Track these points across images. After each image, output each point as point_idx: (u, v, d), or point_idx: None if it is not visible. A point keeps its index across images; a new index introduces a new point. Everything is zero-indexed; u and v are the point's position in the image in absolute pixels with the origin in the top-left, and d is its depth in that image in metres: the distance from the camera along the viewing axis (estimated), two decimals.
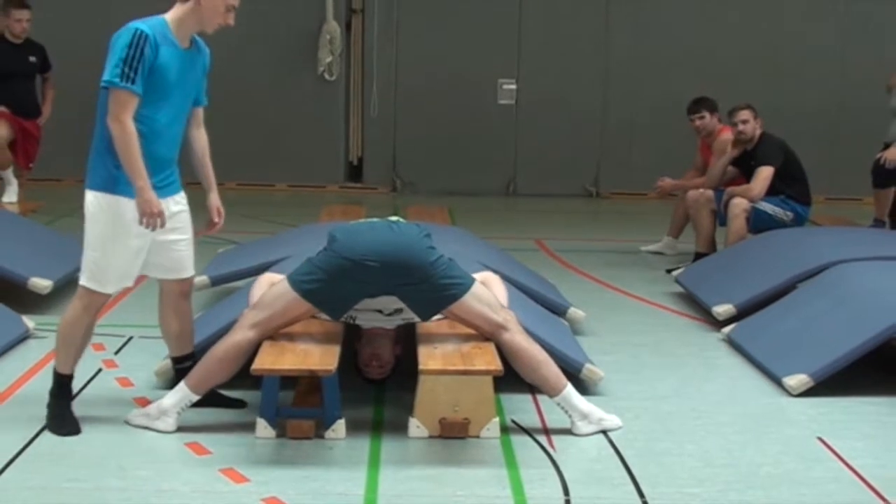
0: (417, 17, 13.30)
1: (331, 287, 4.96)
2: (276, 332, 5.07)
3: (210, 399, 5.09)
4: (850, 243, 7.55)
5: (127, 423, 4.98)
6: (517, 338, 5.04)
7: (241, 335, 4.97)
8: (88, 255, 4.88)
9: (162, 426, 4.90)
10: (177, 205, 5.01)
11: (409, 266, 4.94)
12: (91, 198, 4.86)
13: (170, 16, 4.86)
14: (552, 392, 5.04)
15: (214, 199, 5.25)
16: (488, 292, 5.15)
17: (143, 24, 4.75)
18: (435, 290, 4.98)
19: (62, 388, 5.01)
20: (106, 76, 4.72)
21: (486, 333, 5.10)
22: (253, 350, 4.98)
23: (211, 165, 5.23)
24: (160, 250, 4.99)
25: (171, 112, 4.87)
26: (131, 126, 4.71)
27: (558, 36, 13.31)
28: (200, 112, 5.21)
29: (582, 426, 5.03)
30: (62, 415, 4.96)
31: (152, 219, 4.76)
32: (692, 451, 4.92)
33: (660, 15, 13.27)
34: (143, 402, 5.23)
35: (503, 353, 5.05)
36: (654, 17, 13.27)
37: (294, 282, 5.00)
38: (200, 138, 5.22)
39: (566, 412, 5.05)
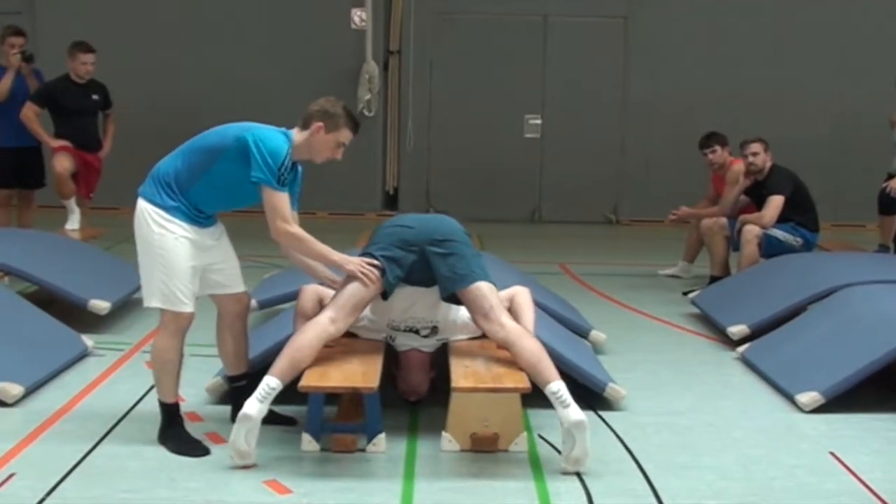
0: (449, 57, 13.29)
1: (382, 248, 4.99)
2: (348, 319, 4.93)
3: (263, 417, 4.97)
4: (857, 267, 7.42)
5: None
6: (512, 333, 4.89)
7: (321, 320, 4.87)
8: (154, 277, 4.70)
9: (251, 410, 4.52)
10: (212, 236, 4.89)
11: (445, 230, 5.06)
12: (144, 205, 4.74)
13: (294, 137, 4.81)
14: (545, 381, 4.71)
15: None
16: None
17: (287, 141, 4.73)
18: (459, 267, 4.97)
19: (172, 417, 4.85)
20: (261, 175, 4.63)
21: (487, 322, 4.93)
22: (331, 337, 4.87)
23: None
24: (208, 273, 4.90)
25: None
26: (298, 229, 4.78)
27: (580, 75, 13.29)
28: (296, 219, 4.93)
29: (568, 412, 4.62)
30: (184, 440, 4.79)
31: (363, 270, 4.88)
32: (709, 465, 4.81)
33: (673, 58, 13.22)
34: (193, 417, 5.17)
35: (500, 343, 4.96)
36: (668, 60, 13.22)
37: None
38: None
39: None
